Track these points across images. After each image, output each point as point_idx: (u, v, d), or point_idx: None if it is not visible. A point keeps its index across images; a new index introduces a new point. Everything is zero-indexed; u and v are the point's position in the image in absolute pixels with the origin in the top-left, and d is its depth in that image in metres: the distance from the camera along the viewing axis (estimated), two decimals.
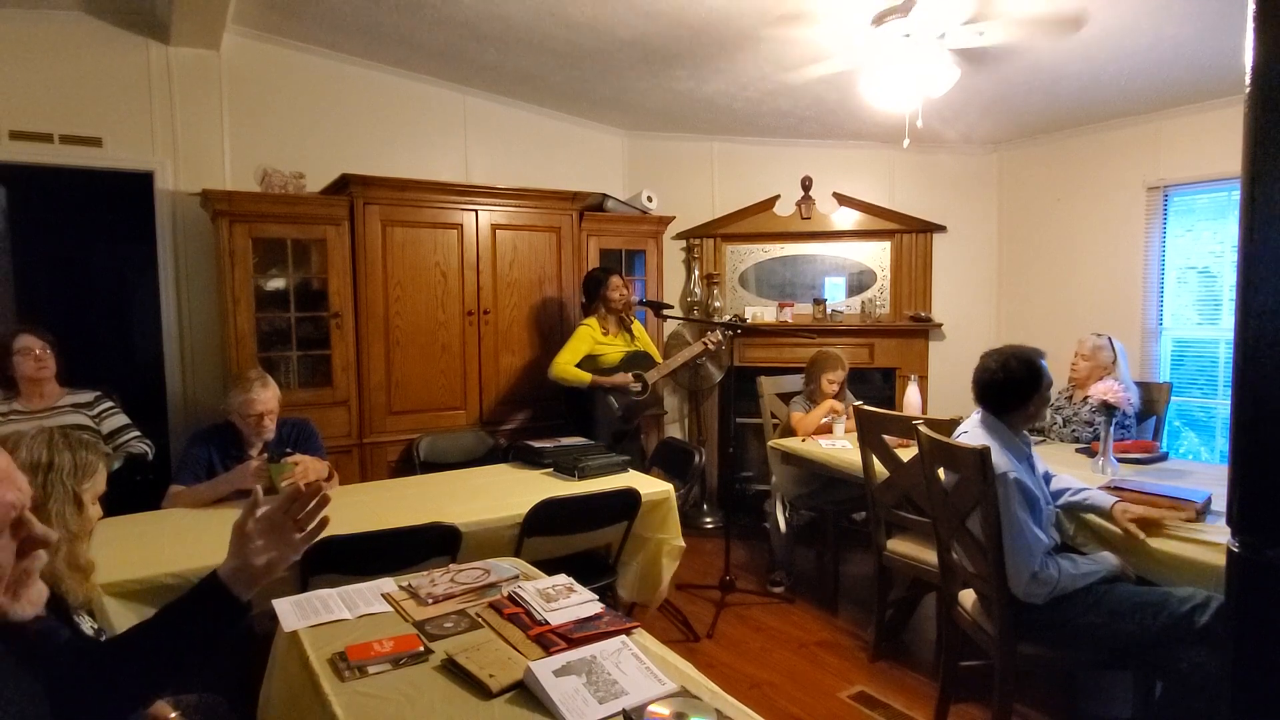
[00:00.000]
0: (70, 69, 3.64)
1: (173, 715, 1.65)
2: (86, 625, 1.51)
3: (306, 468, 2.76)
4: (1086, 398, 3.39)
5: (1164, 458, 3.23)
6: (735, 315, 5.16)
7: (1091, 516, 2.44)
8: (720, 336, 4.10)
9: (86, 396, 3.25)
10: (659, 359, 4.22)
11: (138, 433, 3.30)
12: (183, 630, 1.28)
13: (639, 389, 4.00)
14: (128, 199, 4.20)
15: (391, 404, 4.00)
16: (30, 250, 4.92)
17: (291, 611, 1.77)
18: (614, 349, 4.02)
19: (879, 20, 3.16)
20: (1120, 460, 3.05)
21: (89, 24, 3.66)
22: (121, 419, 3.29)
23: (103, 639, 1.43)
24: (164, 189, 3.86)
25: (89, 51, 3.68)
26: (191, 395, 3.96)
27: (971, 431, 2.43)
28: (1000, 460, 2.25)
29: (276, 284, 3.87)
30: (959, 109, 4.28)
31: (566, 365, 3.88)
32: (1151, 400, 3.79)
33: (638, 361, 4.06)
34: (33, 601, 0.96)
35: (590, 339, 3.96)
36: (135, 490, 3.13)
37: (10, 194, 4.10)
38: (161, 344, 3.96)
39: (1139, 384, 3.73)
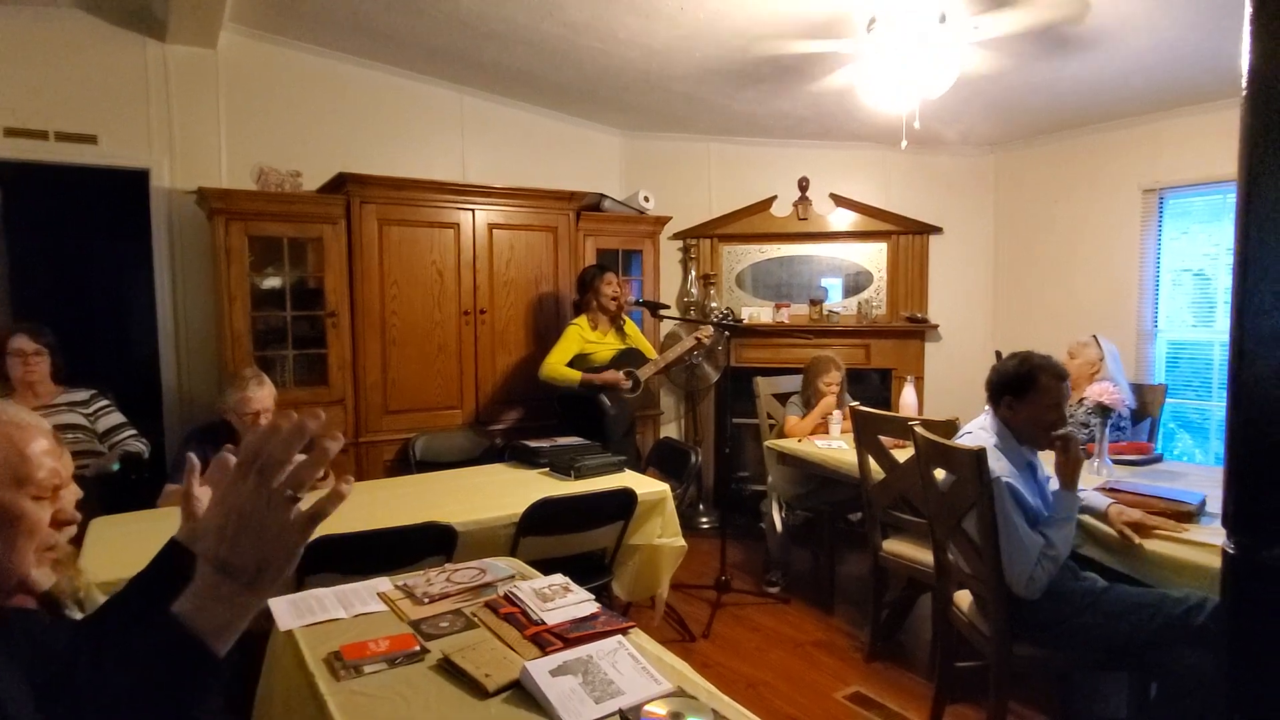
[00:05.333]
0: (66, 66, 3.63)
1: None
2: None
3: None
4: (1082, 399, 3.40)
5: (1159, 459, 3.25)
6: (728, 309, 5.14)
7: (1086, 518, 2.45)
8: (711, 330, 4.10)
9: (82, 395, 3.24)
10: (653, 356, 4.21)
11: (134, 431, 3.29)
12: (154, 595, 1.29)
13: (629, 386, 3.98)
14: (123, 196, 4.18)
15: (387, 403, 3.99)
16: (25, 247, 4.90)
17: (287, 611, 1.77)
18: (605, 347, 4.02)
19: (870, 25, 3.15)
20: (1115, 462, 3.06)
21: (85, 21, 3.65)
22: (117, 417, 3.29)
23: None
24: (160, 187, 3.86)
25: (85, 49, 3.66)
26: (187, 393, 3.96)
27: (975, 433, 2.44)
28: (995, 465, 2.26)
29: (272, 282, 3.86)
30: (956, 110, 4.29)
31: (556, 365, 3.87)
32: (1146, 402, 3.81)
33: (629, 359, 4.06)
34: (47, 576, 1.06)
35: (579, 338, 3.95)
36: (131, 488, 3.12)
37: (5, 191, 4.08)
38: (157, 342, 3.95)
39: (1134, 386, 3.75)
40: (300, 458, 0.78)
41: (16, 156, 3.59)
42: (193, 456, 1.33)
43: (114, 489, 3.10)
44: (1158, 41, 3.36)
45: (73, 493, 1.10)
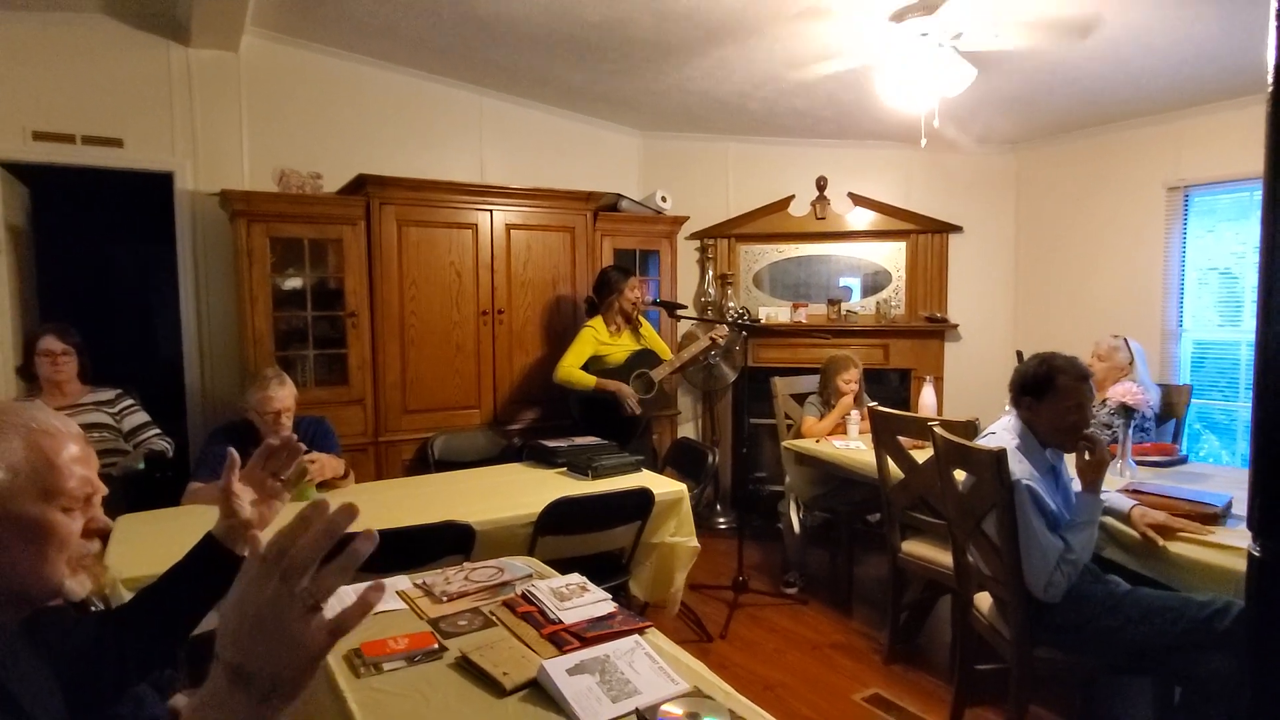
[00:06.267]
0: (92, 70, 3.69)
1: None
2: None
3: (323, 466, 2.79)
4: (1105, 400, 3.36)
5: (1184, 461, 3.20)
6: (745, 309, 5.12)
7: (1109, 520, 2.42)
8: (725, 330, 4.08)
9: (108, 394, 3.29)
10: (668, 357, 4.20)
11: (158, 430, 3.34)
12: (186, 590, 1.33)
13: (636, 404, 3.96)
14: (148, 199, 4.25)
15: (406, 403, 4.02)
16: (53, 249, 4.99)
17: None
18: (620, 349, 4.01)
19: (899, 17, 3.13)
20: (1139, 463, 3.02)
21: (110, 26, 3.71)
22: (142, 416, 3.34)
23: None
24: (183, 189, 3.91)
25: (110, 53, 3.72)
26: (210, 393, 4.00)
27: (999, 434, 2.42)
28: (1015, 467, 2.23)
29: (294, 283, 3.90)
30: (976, 108, 4.25)
31: (571, 368, 3.88)
32: (1171, 403, 3.75)
33: (644, 360, 4.05)
34: (82, 584, 1.02)
35: (594, 341, 3.95)
36: (155, 487, 3.17)
37: (33, 194, 4.15)
38: (181, 342, 4.00)
39: (1159, 386, 3.69)
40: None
41: (44, 159, 3.65)
42: (233, 452, 1.35)
43: (139, 487, 3.15)
44: (1180, 37, 3.32)
45: (99, 492, 1.10)
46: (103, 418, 3.21)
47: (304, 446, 1.41)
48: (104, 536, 1.07)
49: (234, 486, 1.34)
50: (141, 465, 3.16)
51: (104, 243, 6.37)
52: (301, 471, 1.45)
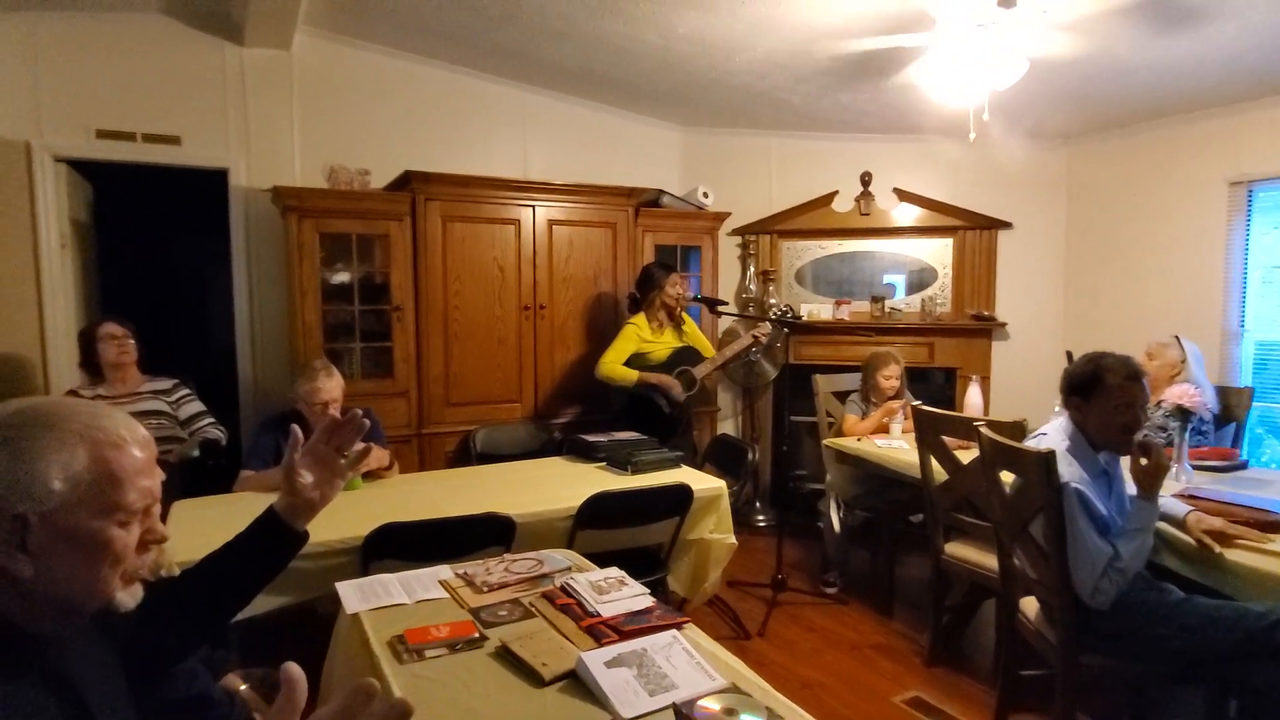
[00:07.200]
0: (151, 69, 3.81)
1: (242, 687, 1.72)
2: None
3: (370, 456, 2.84)
4: (1160, 402, 3.26)
5: (1244, 466, 3.09)
6: (787, 306, 5.08)
7: (1163, 525, 2.35)
8: (768, 328, 4.04)
9: (165, 384, 3.41)
10: (711, 354, 4.18)
11: (212, 419, 3.45)
12: (246, 562, 1.37)
13: (680, 393, 3.94)
14: (205, 194, 4.37)
15: (449, 396, 4.08)
16: (113, 243, 5.17)
17: (354, 595, 1.83)
18: (662, 345, 4.00)
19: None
20: (1196, 468, 2.92)
21: (168, 25, 3.82)
22: (197, 405, 3.45)
23: None
24: (238, 185, 4.02)
25: (168, 52, 3.84)
26: (261, 384, 4.12)
27: (1049, 435, 2.36)
28: (1065, 469, 2.18)
29: (341, 278, 3.98)
30: (1027, 102, 4.14)
31: (613, 364, 3.88)
32: (1232, 405, 3.62)
33: (686, 357, 4.03)
34: (134, 595, 1.01)
35: (636, 337, 3.95)
36: (209, 474, 3.27)
37: (97, 190, 4.30)
38: (234, 334, 4.12)
39: (1218, 388, 3.57)
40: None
41: (107, 157, 3.78)
42: (296, 429, 1.39)
43: (193, 474, 3.25)
44: (1243, 26, 3.19)
45: (159, 481, 1.08)
46: (160, 405, 3.33)
47: (368, 423, 1.43)
48: (161, 543, 1.06)
49: (297, 464, 1.37)
50: (196, 453, 3.26)
51: (161, 237, 6.57)
52: (364, 450, 1.47)
